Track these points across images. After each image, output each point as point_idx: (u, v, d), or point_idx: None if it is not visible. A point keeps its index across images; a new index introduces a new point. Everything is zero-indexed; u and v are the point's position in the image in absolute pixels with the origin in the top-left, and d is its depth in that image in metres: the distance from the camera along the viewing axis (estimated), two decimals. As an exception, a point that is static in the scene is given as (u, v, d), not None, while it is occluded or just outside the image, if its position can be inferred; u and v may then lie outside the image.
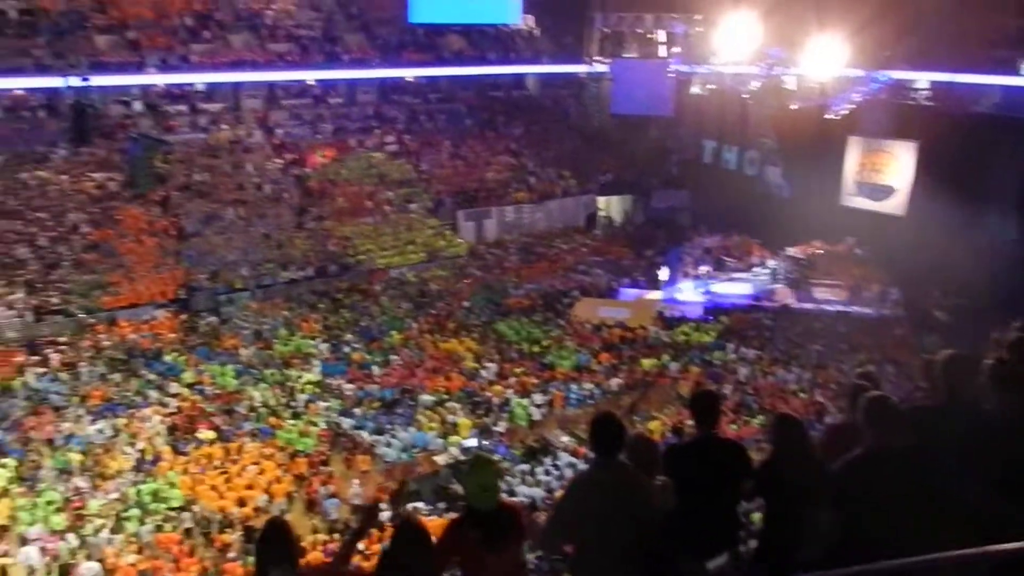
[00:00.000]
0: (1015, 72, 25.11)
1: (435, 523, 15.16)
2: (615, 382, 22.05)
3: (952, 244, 23.86)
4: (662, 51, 35.25)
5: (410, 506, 16.30)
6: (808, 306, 26.89)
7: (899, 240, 26.81)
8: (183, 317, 25.18)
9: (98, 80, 26.41)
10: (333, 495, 16.75)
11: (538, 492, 15.89)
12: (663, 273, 29.52)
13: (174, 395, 20.46)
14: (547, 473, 17.09)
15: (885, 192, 28.16)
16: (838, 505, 4.00)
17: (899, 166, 27.78)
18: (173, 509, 16.05)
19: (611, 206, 38.04)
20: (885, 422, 3.88)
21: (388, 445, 18.57)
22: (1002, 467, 3.59)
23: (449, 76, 37.81)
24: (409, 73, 36.70)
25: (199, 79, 32.43)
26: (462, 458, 18.05)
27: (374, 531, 12.83)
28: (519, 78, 40.81)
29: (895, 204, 27.82)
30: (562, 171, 36.69)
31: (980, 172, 24.02)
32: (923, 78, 28.01)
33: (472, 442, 18.66)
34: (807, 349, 23.84)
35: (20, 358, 21.83)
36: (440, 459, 18.17)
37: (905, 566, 2.95)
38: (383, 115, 36.53)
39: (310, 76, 34.69)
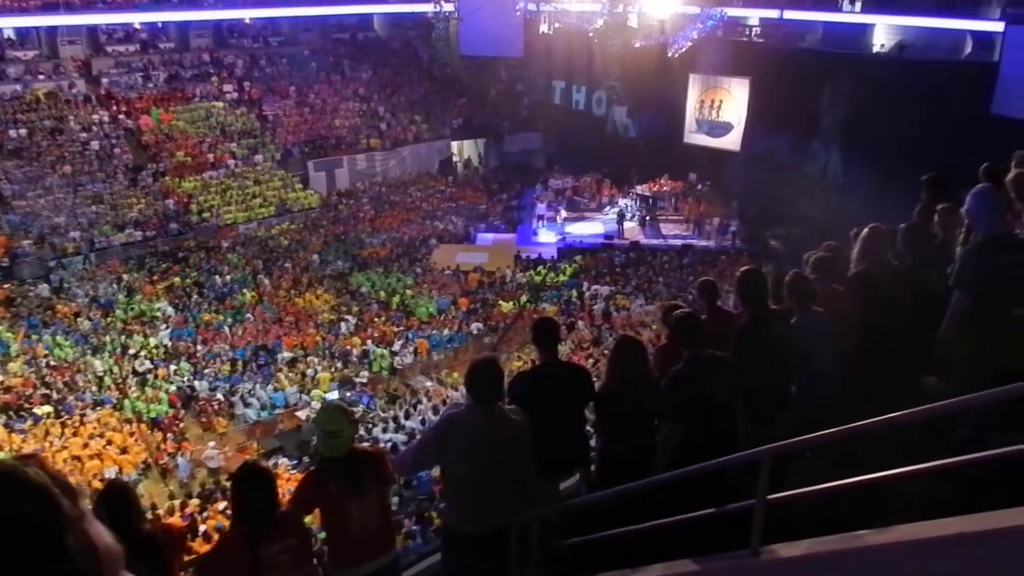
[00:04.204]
0: (836, 8, 26.56)
1: (299, 477, 14.97)
2: (475, 326, 22.26)
3: (785, 177, 25.28)
4: (509, -13, 34.66)
5: (274, 461, 16.04)
6: (656, 241, 27.94)
7: (737, 174, 28.14)
8: (7, 286, 23.20)
9: None
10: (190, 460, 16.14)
11: (400, 437, 15.96)
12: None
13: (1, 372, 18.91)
14: (407, 416, 17.22)
15: (723, 128, 29.21)
16: (668, 416, 4.21)
17: (735, 103, 28.71)
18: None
19: (465, 150, 37.83)
20: (694, 336, 4.23)
21: (246, 405, 18.04)
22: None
23: (290, 17, 35.89)
24: (246, 14, 34.68)
25: (5, 24, 29.43)
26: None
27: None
28: (366, 19, 39.43)
29: (732, 140, 28.88)
30: (414, 116, 36.00)
31: (807, 107, 25.26)
32: (754, 15, 28.98)
33: (334, 395, 18.42)
34: (655, 282, 24.85)
35: None
36: (301, 414, 17.89)
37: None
38: (220, 61, 34.49)
39: (136, 18, 32.16)
